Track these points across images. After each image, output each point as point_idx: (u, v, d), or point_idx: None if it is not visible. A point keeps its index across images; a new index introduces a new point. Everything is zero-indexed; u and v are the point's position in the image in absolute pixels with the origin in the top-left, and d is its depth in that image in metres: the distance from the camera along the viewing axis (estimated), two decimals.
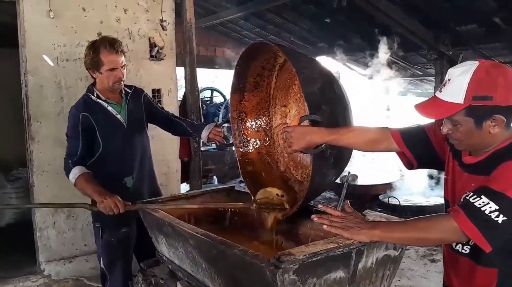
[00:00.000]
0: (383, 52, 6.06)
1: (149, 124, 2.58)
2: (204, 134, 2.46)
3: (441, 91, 1.30)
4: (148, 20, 3.65)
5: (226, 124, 2.49)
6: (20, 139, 3.66)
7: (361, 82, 8.72)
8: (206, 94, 10.18)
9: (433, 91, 7.63)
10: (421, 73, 8.19)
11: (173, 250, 1.98)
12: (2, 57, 5.04)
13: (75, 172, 2.20)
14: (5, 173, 5.06)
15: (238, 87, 2.19)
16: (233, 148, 2.28)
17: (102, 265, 2.44)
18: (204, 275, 1.75)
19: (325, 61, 7.73)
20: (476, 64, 1.25)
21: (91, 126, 2.28)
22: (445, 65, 5.93)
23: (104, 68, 2.27)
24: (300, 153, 1.87)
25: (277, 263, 1.26)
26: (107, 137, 2.33)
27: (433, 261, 3.93)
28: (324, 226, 1.41)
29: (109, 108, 2.36)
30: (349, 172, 2.16)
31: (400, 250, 1.57)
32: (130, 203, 2.12)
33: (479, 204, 1.20)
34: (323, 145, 1.65)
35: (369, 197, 5.60)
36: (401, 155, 1.59)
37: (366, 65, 6.80)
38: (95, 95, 2.35)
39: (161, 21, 3.68)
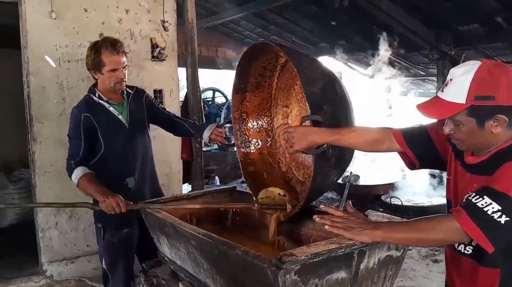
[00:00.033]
0: (385, 52, 6.05)
1: (150, 125, 2.58)
2: (206, 134, 2.46)
3: (443, 91, 1.29)
4: (149, 20, 3.65)
5: (227, 125, 2.49)
6: (22, 140, 3.67)
7: (362, 82, 8.72)
8: (208, 94, 10.18)
9: (435, 91, 7.62)
10: (423, 73, 8.17)
11: (175, 251, 1.98)
12: (5, 58, 5.06)
13: (78, 172, 2.20)
14: (7, 174, 5.07)
15: (239, 88, 2.19)
16: (235, 149, 2.28)
17: (104, 266, 2.44)
18: (206, 276, 1.75)
19: (327, 61, 7.73)
20: (478, 63, 1.25)
21: (92, 126, 2.28)
22: (447, 65, 5.92)
23: (105, 68, 2.27)
24: (301, 153, 1.87)
25: (279, 264, 1.26)
26: (109, 137, 2.33)
27: (435, 261, 3.92)
28: (326, 227, 1.40)
29: (111, 108, 2.36)
30: (351, 172, 2.16)
31: (402, 250, 1.57)
32: (132, 203, 2.12)
33: (482, 205, 1.20)
34: (325, 146, 1.65)
35: (371, 197, 5.59)
36: (403, 155, 1.58)
37: (368, 65, 6.79)
38: (96, 95, 2.35)
39: (163, 21, 3.68)
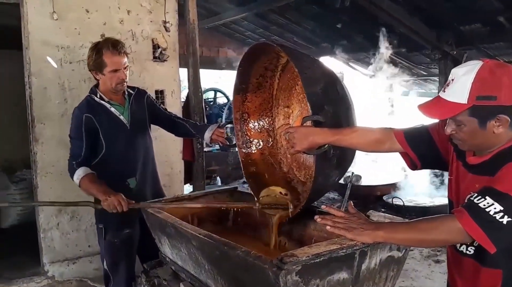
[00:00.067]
0: (386, 52, 6.04)
1: (152, 125, 2.58)
2: (207, 135, 2.46)
3: (444, 91, 1.29)
4: (151, 21, 3.66)
5: (229, 125, 2.49)
6: (24, 141, 3.68)
7: (364, 82, 8.71)
8: (210, 95, 10.19)
9: (437, 91, 7.61)
10: (425, 73, 8.17)
11: (176, 251, 1.97)
12: (6, 59, 5.07)
13: (80, 173, 2.21)
14: (9, 175, 5.08)
15: (240, 88, 2.19)
16: (236, 149, 2.28)
17: (105, 266, 2.44)
18: (207, 276, 1.75)
19: (329, 61, 7.72)
20: (480, 63, 1.24)
21: (94, 127, 2.28)
22: (449, 64, 5.91)
23: (107, 69, 2.27)
24: (303, 153, 1.87)
25: (280, 265, 1.26)
26: (110, 138, 2.33)
27: (437, 262, 3.91)
28: (328, 227, 1.40)
29: (112, 109, 2.36)
30: (352, 173, 2.16)
31: (404, 251, 1.56)
32: (133, 202, 2.13)
33: (484, 205, 1.19)
34: (326, 146, 1.64)
35: (373, 198, 5.58)
36: (405, 155, 1.58)
37: (369, 65, 6.78)
38: (98, 96, 2.35)
39: (164, 22, 3.69)
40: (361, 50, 7.36)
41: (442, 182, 5.27)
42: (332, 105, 1.71)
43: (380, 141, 1.60)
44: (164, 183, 2.96)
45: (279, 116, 2.24)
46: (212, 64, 8.66)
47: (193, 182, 4.14)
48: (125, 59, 2.32)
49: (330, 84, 1.78)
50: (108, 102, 2.36)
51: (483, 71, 1.22)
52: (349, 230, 1.36)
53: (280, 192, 1.95)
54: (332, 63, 7.94)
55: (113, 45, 2.26)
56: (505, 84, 1.22)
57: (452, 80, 1.27)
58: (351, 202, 1.53)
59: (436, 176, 5.39)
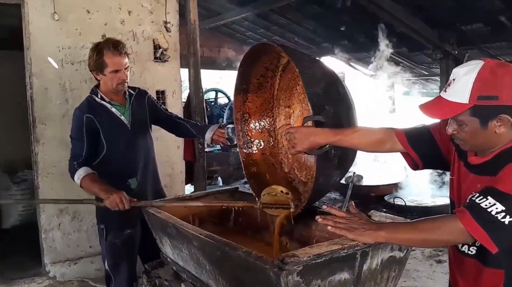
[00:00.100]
0: (388, 52, 6.03)
1: (153, 126, 2.58)
2: (208, 135, 2.46)
3: (446, 91, 1.29)
4: (152, 22, 3.66)
5: (230, 125, 2.48)
6: (25, 141, 3.68)
7: (365, 82, 8.70)
8: (211, 95, 10.18)
9: (438, 90, 7.59)
10: (426, 73, 8.15)
11: (177, 252, 1.97)
12: (8, 59, 5.08)
13: (81, 173, 2.21)
14: (10, 175, 5.09)
15: (241, 88, 2.19)
16: (237, 149, 2.28)
17: (106, 267, 2.44)
18: (208, 277, 1.75)
19: (330, 61, 7.71)
20: (481, 63, 1.24)
21: (95, 127, 2.28)
22: (450, 64, 5.89)
23: (107, 70, 2.27)
24: (304, 154, 1.86)
25: (281, 265, 1.26)
26: (111, 138, 2.33)
27: (439, 262, 3.90)
28: (329, 227, 1.39)
29: (113, 109, 2.36)
30: (354, 173, 2.15)
31: (405, 251, 1.56)
32: (135, 200, 2.13)
33: (485, 205, 1.19)
34: (327, 146, 1.64)
35: (374, 198, 5.57)
36: (406, 155, 1.57)
37: (370, 65, 6.77)
38: (99, 96, 2.35)
39: (165, 22, 3.69)
40: (362, 50, 7.34)
41: (443, 182, 5.26)
42: (333, 105, 1.71)
43: (382, 141, 1.59)
44: (165, 184, 2.97)
45: (280, 116, 2.24)
46: (213, 64, 8.66)
47: (194, 183, 4.14)
48: (126, 60, 2.32)
49: (331, 84, 1.78)
50: (109, 102, 2.36)
51: (485, 71, 1.22)
52: (350, 230, 1.36)
53: (281, 191, 1.94)
54: (333, 63, 7.93)
55: (114, 46, 2.26)
56: (506, 83, 1.21)
57: (453, 80, 1.27)
58: (353, 202, 1.53)
59: (438, 175, 5.38)
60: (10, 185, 4.90)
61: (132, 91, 2.47)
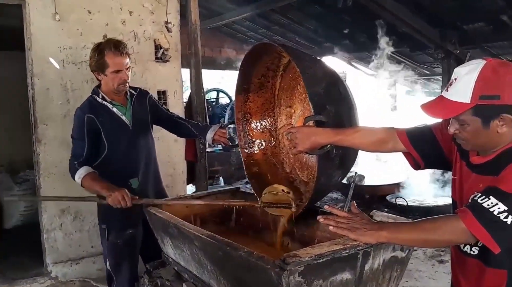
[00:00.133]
0: (389, 51, 6.02)
1: (154, 126, 2.58)
2: (209, 135, 2.46)
3: (447, 91, 1.28)
4: (153, 22, 3.66)
5: (231, 125, 2.48)
6: (27, 142, 3.69)
7: (367, 81, 8.69)
8: (212, 95, 10.19)
9: (440, 90, 7.58)
10: (428, 72, 8.14)
11: (179, 252, 1.97)
12: (9, 60, 5.09)
13: (81, 172, 2.21)
14: (12, 175, 5.11)
15: (242, 88, 2.18)
16: (239, 149, 2.28)
17: (108, 267, 2.44)
18: (210, 277, 1.75)
19: (331, 61, 7.71)
20: (483, 62, 1.23)
21: (96, 128, 2.28)
22: (452, 64, 5.87)
23: (109, 70, 2.28)
24: (305, 154, 1.86)
25: (283, 265, 1.25)
26: (112, 138, 2.33)
27: (441, 262, 3.89)
28: (330, 227, 1.39)
29: (114, 109, 2.36)
30: (355, 173, 2.15)
31: (407, 251, 1.56)
32: (137, 197, 2.14)
33: (488, 205, 1.18)
34: (329, 146, 1.64)
35: (376, 198, 5.56)
36: (408, 155, 1.57)
37: (372, 65, 6.76)
38: (100, 96, 2.36)
39: (166, 22, 3.69)
40: (363, 50, 7.34)
41: (445, 182, 5.25)
42: (334, 105, 1.71)
43: (383, 141, 1.59)
44: (167, 184, 2.97)
45: (281, 116, 2.24)
46: (214, 64, 8.66)
47: (195, 183, 4.14)
48: (127, 60, 2.32)
49: (332, 83, 1.77)
50: (110, 102, 2.36)
51: (486, 70, 1.22)
52: (352, 230, 1.35)
53: (283, 190, 1.94)
54: (334, 62, 7.93)
55: (115, 46, 2.26)
56: (508, 83, 1.21)
57: (455, 79, 1.26)
58: (354, 202, 1.53)
59: (441, 175, 5.36)
60: (12, 185, 4.92)
61: (133, 91, 2.47)
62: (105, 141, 2.31)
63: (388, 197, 5.43)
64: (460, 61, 5.59)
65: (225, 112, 9.25)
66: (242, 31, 8.35)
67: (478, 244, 1.34)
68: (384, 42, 5.93)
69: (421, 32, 5.74)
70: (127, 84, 2.36)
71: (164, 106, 2.70)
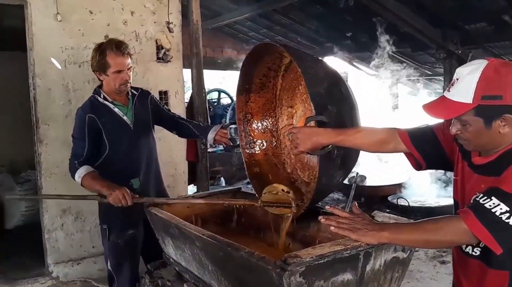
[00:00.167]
0: (391, 52, 6.01)
1: (155, 126, 2.58)
2: (210, 136, 2.46)
3: (449, 91, 1.28)
4: (154, 22, 3.66)
5: (232, 126, 2.48)
6: (28, 142, 3.69)
7: (368, 81, 8.68)
8: (213, 95, 10.19)
9: (442, 90, 7.56)
10: (430, 73, 8.12)
11: (180, 252, 1.97)
12: (11, 60, 5.10)
13: (82, 171, 2.21)
14: (14, 176, 5.12)
15: (244, 88, 2.18)
16: (240, 150, 2.27)
17: (109, 267, 2.44)
18: (211, 277, 1.75)
19: (333, 61, 7.70)
20: (485, 63, 1.23)
21: (97, 127, 2.29)
22: (454, 64, 5.86)
23: (110, 70, 2.28)
24: (306, 154, 1.86)
25: (284, 266, 1.25)
26: (114, 138, 2.34)
27: (443, 262, 3.89)
28: (332, 228, 1.39)
29: (116, 109, 2.36)
30: (357, 173, 2.15)
31: (409, 252, 1.55)
32: (138, 196, 2.14)
33: (490, 206, 1.18)
34: (330, 146, 1.63)
35: (378, 198, 5.56)
36: (409, 155, 1.56)
37: (373, 65, 6.76)
38: (101, 97, 2.36)
39: (168, 23, 3.69)
40: (365, 50, 7.32)
41: (447, 183, 5.24)
42: (335, 105, 1.70)
43: (385, 142, 1.59)
44: (168, 184, 2.97)
45: (282, 116, 2.24)
46: (216, 64, 8.66)
47: (197, 183, 4.14)
48: (129, 60, 2.32)
49: (334, 84, 1.77)
50: (111, 102, 2.36)
51: (488, 70, 1.21)
52: (353, 231, 1.35)
53: (283, 190, 1.94)
54: (336, 63, 7.92)
55: (116, 46, 2.26)
56: (510, 83, 1.21)
57: (457, 79, 1.26)
58: (356, 202, 1.53)
59: (443, 175, 5.35)
60: (13, 185, 4.92)
61: (134, 92, 2.48)
62: (106, 141, 2.32)
63: (389, 198, 5.42)
64: (462, 61, 5.58)
65: (227, 112, 9.26)
66: (243, 31, 8.35)
67: (480, 245, 1.34)
68: (385, 42, 5.92)
69: (423, 32, 5.73)
70: (129, 84, 2.36)
71: (165, 106, 2.70)
